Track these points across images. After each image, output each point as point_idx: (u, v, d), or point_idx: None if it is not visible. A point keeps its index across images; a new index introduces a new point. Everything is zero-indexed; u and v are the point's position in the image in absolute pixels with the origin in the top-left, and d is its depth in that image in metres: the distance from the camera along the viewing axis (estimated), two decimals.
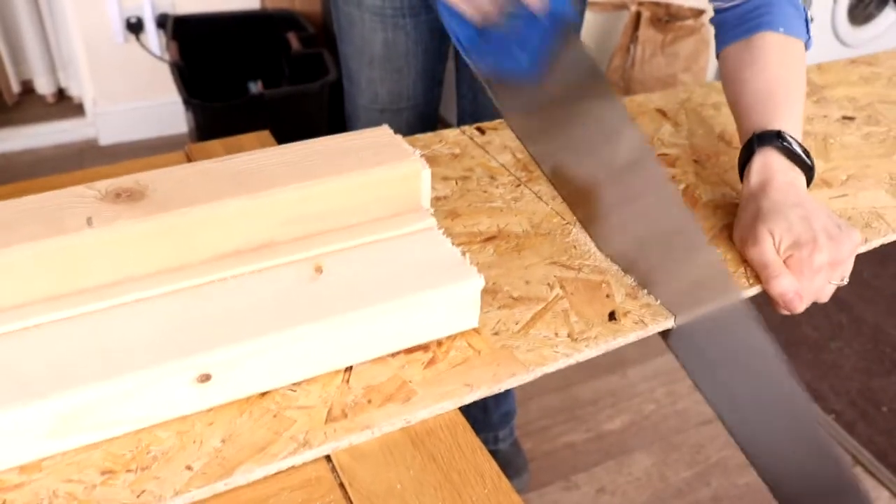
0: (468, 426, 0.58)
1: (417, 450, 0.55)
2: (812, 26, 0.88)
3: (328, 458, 0.55)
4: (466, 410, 0.59)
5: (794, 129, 0.78)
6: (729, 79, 0.86)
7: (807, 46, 0.86)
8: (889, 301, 2.16)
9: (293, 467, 0.54)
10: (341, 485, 0.53)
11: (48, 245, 0.55)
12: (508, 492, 0.53)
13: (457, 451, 0.56)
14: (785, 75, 0.82)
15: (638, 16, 2.35)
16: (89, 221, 0.56)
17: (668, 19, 2.33)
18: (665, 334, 0.69)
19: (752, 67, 0.83)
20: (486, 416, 1.57)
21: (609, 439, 1.77)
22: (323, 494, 0.52)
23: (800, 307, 0.70)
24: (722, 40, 0.89)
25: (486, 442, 1.45)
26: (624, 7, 2.38)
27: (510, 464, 1.63)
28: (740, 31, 0.86)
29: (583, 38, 2.51)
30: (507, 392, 1.56)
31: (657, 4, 2.34)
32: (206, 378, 0.54)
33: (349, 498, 0.52)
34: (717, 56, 0.90)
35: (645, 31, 2.34)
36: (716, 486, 1.67)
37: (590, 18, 2.46)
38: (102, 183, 0.60)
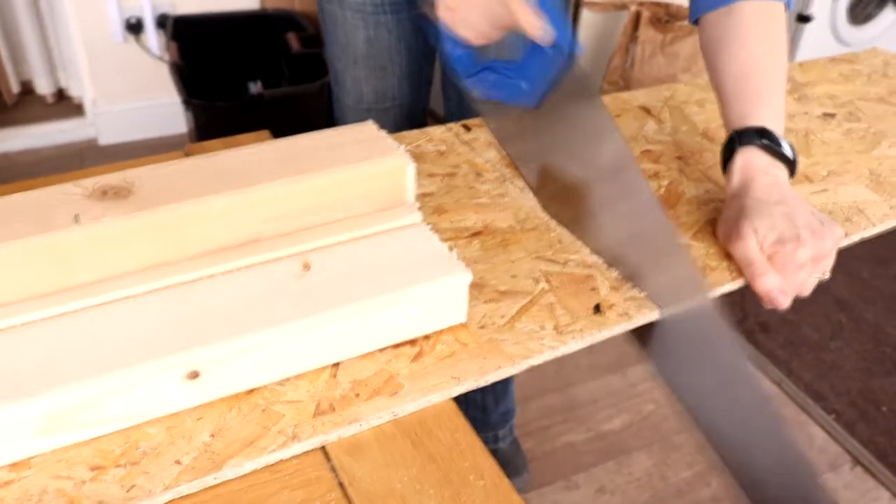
0: (468, 425, 0.58)
1: (417, 449, 0.55)
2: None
3: (328, 457, 0.55)
4: (465, 409, 0.59)
5: (774, 119, 0.78)
6: (708, 52, 0.85)
7: (788, 7, 0.85)
8: (889, 301, 2.15)
9: (293, 468, 0.54)
10: (341, 484, 0.53)
11: (35, 242, 0.55)
12: (508, 491, 0.53)
13: (456, 450, 0.56)
14: (763, 54, 0.81)
15: (638, 16, 2.35)
16: (76, 218, 0.56)
17: (667, 19, 2.33)
18: (641, 337, 0.70)
19: (730, 47, 0.82)
20: (485, 416, 1.57)
21: (609, 439, 1.77)
22: (323, 494, 0.52)
23: (784, 303, 0.70)
24: (697, 6, 0.87)
25: (485, 441, 1.44)
26: (624, 7, 2.38)
27: (510, 463, 1.63)
28: None
29: (583, 37, 2.49)
30: (507, 391, 1.56)
31: (657, 4, 2.34)
32: (194, 375, 0.54)
33: (349, 497, 0.52)
34: (693, 21, 0.88)
35: (645, 31, 2.34)
36: (716, 486, 1.67)
37: (589, 18, 2.46)
38: (89, 180, 0.60)
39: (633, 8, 2.35)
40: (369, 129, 0.70)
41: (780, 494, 0.66)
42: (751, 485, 0.68)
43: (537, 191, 0.83)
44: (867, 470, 1.73)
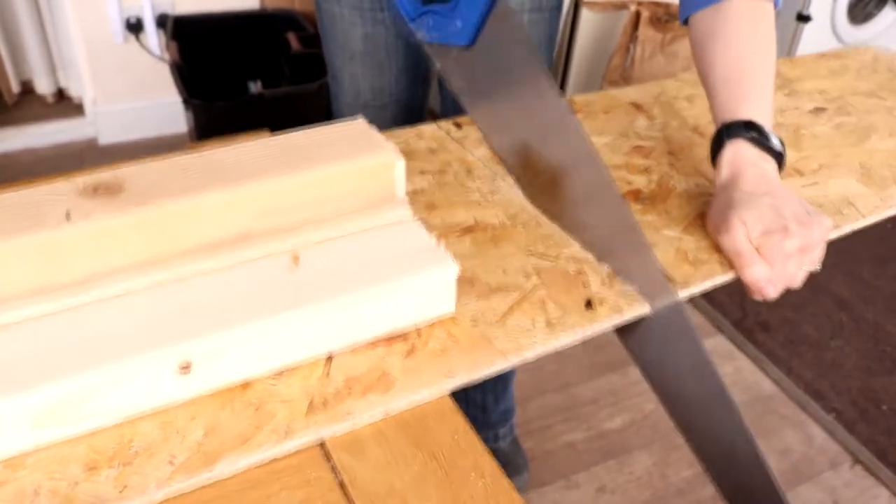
0: (468, 425, 0.58)
1: (417, 448, 0.55)
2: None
3: (328, 457, 0.55)
4: (466, 408, 0.59)
5: (762, 113, 0.78)
6: (697, 50, 0.86)
7: (776, 5, 0.85)
8: (889, 300, 2.15)
9: (293, 467, 0.54)
10: (341, 483, 0.53)
11: (27, 240, 0.55)
12: (508, 490, 0.53)
13: (457, 449, 0.56)
14: (752, 50, 0.82)
15: (637, 15, 2.35)
16: (68, 215, 0.56)
17: (667, 19, 2.33)
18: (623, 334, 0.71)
19: (717, 44, 0.83)
20: (485, 415, 1.57)
21: (609, 438, 1.77)
22: (323, 493, 0.52)
23: (773, 293, 0.71)
24: (686, 5, 0.88)
25: (486, 440, 1.44)
26: (623, 7, 2.38)
27: (510, 462, 1.63)
28: None
29: (582, 37, 2.49)
30: (507, 390, 1.56)
31: (656, 4, 2.34)
32: (187, 367, 0.54)
33: (349, 497, 0.52)
34: (683, 21, 0.89)
35: (644, 31, 2.34)
36: None
37: (589, 18, 2.46)
38: (80, 177, 0.60)
39: (633, 8, 2.35)
40: (359, 125, 0.70)
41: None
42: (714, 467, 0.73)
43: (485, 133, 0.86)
44: (867, 469, 1.73)
